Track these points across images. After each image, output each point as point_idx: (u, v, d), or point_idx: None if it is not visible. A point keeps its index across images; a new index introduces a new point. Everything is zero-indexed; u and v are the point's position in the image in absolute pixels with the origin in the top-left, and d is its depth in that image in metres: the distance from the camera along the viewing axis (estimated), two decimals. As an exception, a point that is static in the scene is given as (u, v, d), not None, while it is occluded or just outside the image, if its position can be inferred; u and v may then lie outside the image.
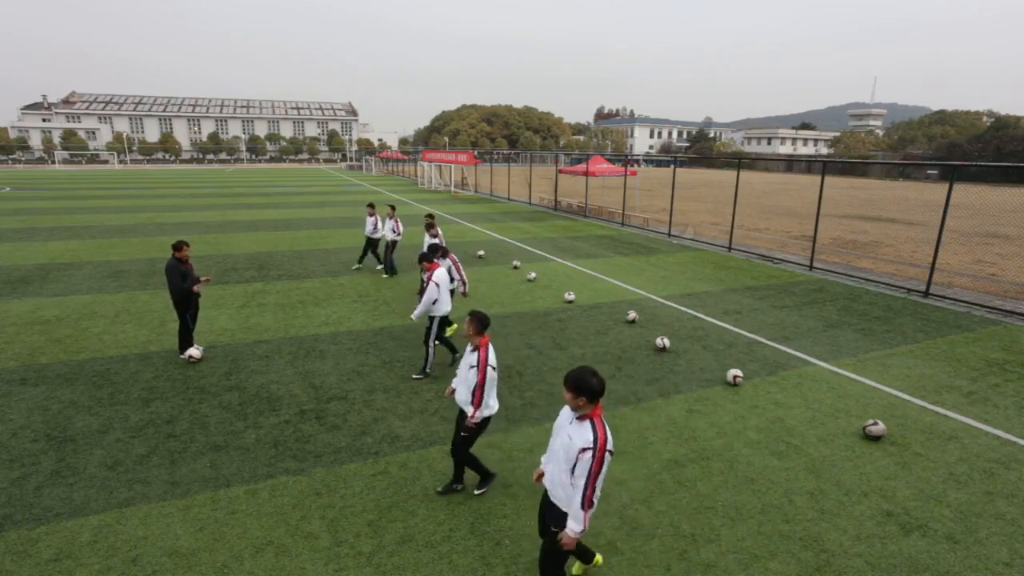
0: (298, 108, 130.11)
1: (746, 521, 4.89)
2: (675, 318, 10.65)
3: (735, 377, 7.65)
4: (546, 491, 3.79)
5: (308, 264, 15.01)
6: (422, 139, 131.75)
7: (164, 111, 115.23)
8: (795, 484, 5.44)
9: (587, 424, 3.44)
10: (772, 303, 11.74)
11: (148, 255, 15.99)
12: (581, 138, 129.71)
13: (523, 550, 4.50)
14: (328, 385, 7.48)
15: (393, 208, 14.15)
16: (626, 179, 24.72)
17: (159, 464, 5.57)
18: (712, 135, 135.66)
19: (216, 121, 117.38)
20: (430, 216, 11.59)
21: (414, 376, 7.76)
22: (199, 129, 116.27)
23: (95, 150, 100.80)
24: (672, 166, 27.95)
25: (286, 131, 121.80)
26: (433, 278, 7.50)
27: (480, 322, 4.93)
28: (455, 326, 9.40)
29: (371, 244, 14.39)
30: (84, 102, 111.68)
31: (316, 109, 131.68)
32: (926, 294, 12.45)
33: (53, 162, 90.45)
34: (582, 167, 27.17)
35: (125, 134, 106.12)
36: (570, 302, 11.55)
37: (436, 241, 10.58)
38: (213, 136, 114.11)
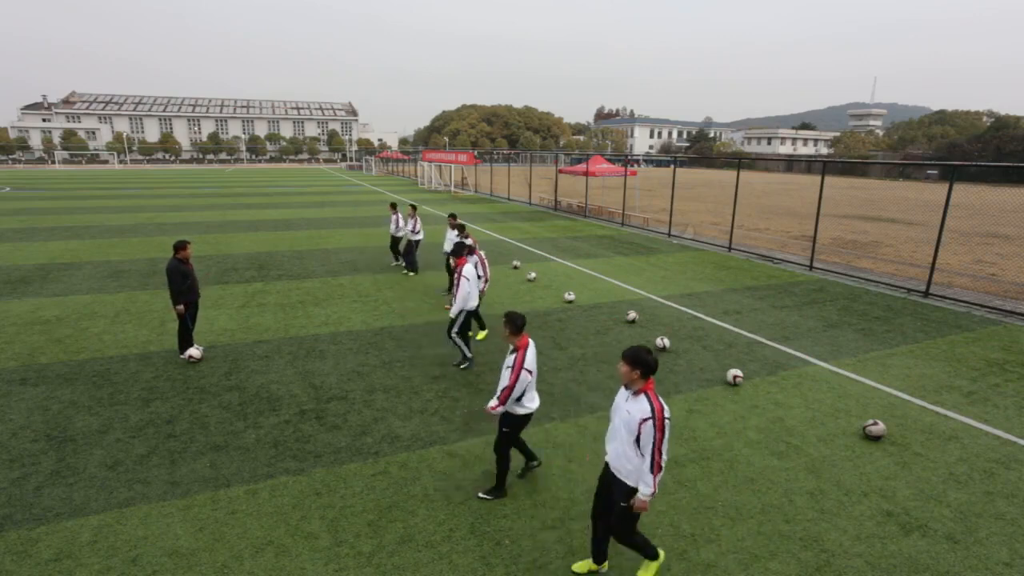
0: (298, 108, 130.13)
1: (746, 521, 4.89)
2: (675, 318, 10.65)
3: (735, 377, 7.65)
4: (606, 471, 4.06)
5: (308, 264, 15.02)
6: (422, 139, 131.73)
7: (164, 111, 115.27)
8: (795, 484, 5.44)
9: (642, 397, 3.74)
10: (772, 303, 11.74)
11: (148, 255, 16.00)
12: (581, 138, 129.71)
13: (523, 550, 4.50)
14: (328, 385, 7.49)
15: (415, 208, 14.21)
16: (626, 179, 24.73)
17: (159, 464, 5.57)
18: (712, 135, 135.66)
19: (216, 121, 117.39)
20: (453, 216, 11.64)
21: (460, 367, 8.02)
22: (199, 129, 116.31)
23: (95, 150, 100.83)
24: (672, 166, 27.96)
25: (286, 131, 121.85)
26: (463, 273, 7.72)
27: (513, 323, 4.78)
28: (485, 331, 9.48)
29: (394, 242, 14.85)
30: (84, 102, 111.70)
31: (316, 109, 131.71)
32: (926, 294, 12.45)
33: (53, 162, 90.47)
34: (582, 167, 27.18)
35: (125, 134, 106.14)
36: (570, 302, 11.56)
37: (461, 238, 10.54)
38: (213, 136, 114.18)
